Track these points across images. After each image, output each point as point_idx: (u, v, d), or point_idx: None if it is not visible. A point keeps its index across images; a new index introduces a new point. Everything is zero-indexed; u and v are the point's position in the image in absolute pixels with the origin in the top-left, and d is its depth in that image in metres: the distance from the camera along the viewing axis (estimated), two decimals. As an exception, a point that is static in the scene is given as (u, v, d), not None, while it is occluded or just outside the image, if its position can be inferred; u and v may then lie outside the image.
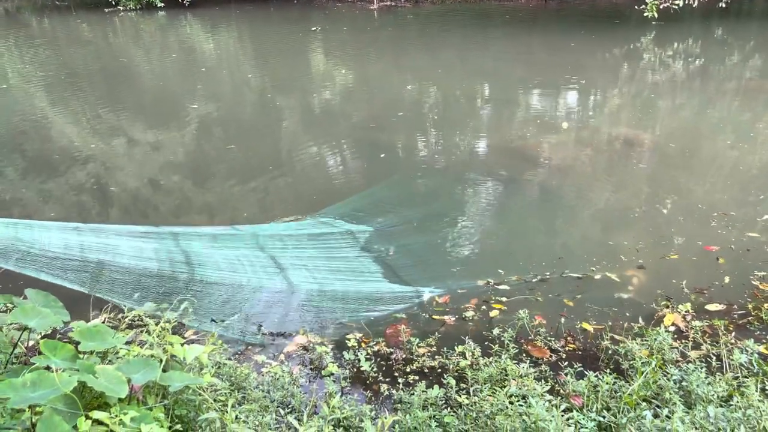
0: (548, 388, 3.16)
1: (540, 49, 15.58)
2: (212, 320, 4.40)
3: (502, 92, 11.76)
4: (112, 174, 8.08)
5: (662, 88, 11.52)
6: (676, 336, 4.14)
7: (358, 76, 13.58)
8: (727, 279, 4.96)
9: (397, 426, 3.11)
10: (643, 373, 3.34)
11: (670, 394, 3.18)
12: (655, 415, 2.97)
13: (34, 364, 2.36)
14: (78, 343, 2.52)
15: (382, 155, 8.39)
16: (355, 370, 4.02)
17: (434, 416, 3.21)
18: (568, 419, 2.83)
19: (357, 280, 5.10)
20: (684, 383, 3.28)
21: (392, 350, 4.21)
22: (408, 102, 11.25)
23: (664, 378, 3.33)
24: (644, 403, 3.17)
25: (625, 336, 4.06)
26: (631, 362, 3.66)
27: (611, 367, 3.88)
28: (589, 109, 10.57)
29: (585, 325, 4.42)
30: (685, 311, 4.46)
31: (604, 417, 3.03)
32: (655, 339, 3.78)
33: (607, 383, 3.26)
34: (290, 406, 3.49)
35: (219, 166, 8.34)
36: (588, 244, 5.82)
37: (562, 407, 2.89)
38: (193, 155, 8.95)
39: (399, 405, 3.47)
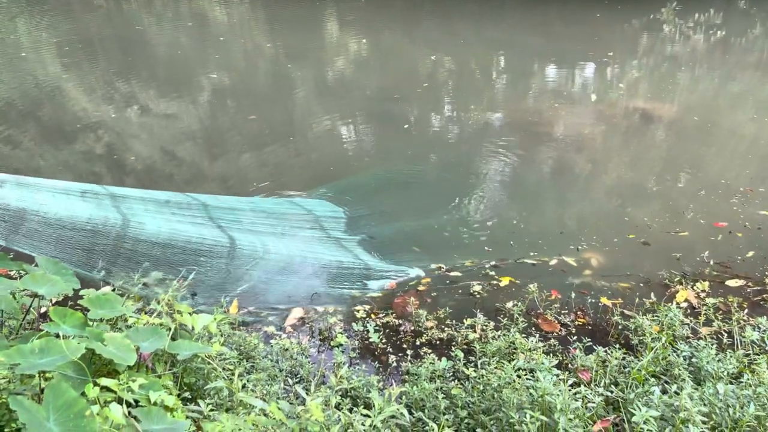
0: (556, 362, 3.15)
1: (559, 21, 15.26)
2: (193, 294, 4.38)
3: (519, 63, 11.56)
4: (132, 142, 8.07)
5: (683, 60, 11.26)
6: (688, 312, 4.11)
7: (375, 46, 13.40)
8: (751, 253, 4.90)
9: (404, 397, 3.13)
10: (652, 348, 3.32)
11: (680, 370, 3.16)
12: (664, 391, 2.95)
13: (43, 330, 2.38)
14: (88, 310, 2.55)
15: (406, 126, 8.34)
16: (363, 341, 4.04)
17: (441, 388, 3.21)
18: (575, 393, 2.82)
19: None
20: (694, 360, 3.26)
21: (401, 322, 4.22)
22: (431, 74, 11.11)
23: (674, 354, 3.30)
24: (653, 379, 3.15)
25: (636, 311, 4.03)
26: (641, 338, 3.64)
27: (621, 342, 3.86)
28: (609, 82, 10.37)
29: (604, 300, 4.38)
30: (701, 290, 4.42)
31: (611, 392, 3.01)
32: (666, 315, 3.74)
33: (615, 358, 3.24)
34: (298, 375, 3.52)
35: (246, 137, 8.23)
36: (605, 218, 5.75)
37: (570, 382, 2.87)
38: (215, 124, 8.87)
39: (407, 376, 3.48)
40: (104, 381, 2.14)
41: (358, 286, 4.71)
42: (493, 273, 4.81)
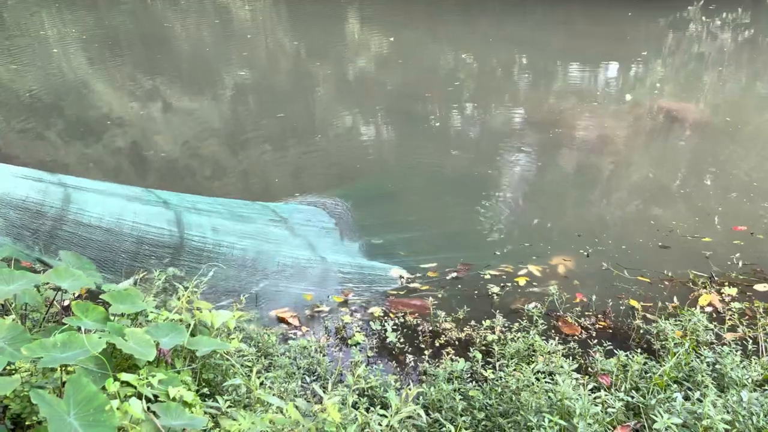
0: (576, 366, 3.11)
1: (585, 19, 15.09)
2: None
3: (541, 62, 11.45)
4: (164, 138, 8.16)
5: (711, 59, 11.06)
6: (713, 317, 4.04)
7: (401, 44, 13.35)
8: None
9: (421, 397, 3.11)
10: (675, 354, 3.27)
11: (703, 376, 3.09)
12: (686, 398, 2.90)
13: (66, 324, 2.42)
14: (109, 305, 2.58)
15: (426, 125, 8.32)
16: (380, 340, 4.03)
17: (459, 389, 3.19)
18: (595, 398, 2.78)
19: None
20: (717, 366, 3.19)
21: (418, 322, 4.20)
22: (452, 72, 11.06)
23: (697, 360, 3.24)
24: (675, 385, 3.09)
25: (658, 315, 3.97)
26: (664, 343, 3.57)
27: (642, 346, 3.80)
28: (633, 82, 10.23)
29: (632, 302, 4.33)
30: (727, 294, 4.34)
31: (632, 397, 2.97)
32: (690, 320, 3.68)
33: (637, 363, 3.19)
34: (315, 373, 3.52)
35: (273, 135, 8.23)
36: (626, 221, 5.67)
37: (590, 386, 2.84)
38: (243, 121, 8.92)
39: (424, 377, 3.47)
40: (124, 376, 2.17)
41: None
42: (504, 276, 4.78)
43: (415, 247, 5.26)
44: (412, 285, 4.71)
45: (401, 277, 4.80)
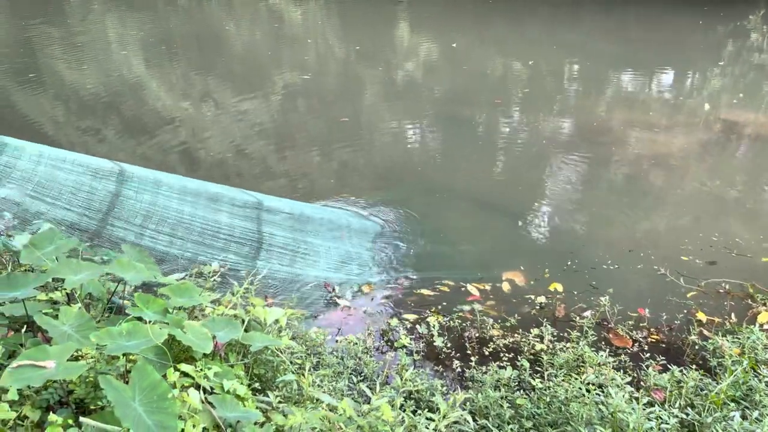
0: (628, 380, 3.04)
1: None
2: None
3: (593, 69, 11.26)
4: (243, 139, 8.37)
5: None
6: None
7: (451, 49, 13.34)
8: None
9: (468, 404, 3.10)
10: (733, 372, 3.16)
11: (762, 396, 2.99)
12: (744, 417, 2.81)
13: (128, 314, 2.50)
14: (167, 297, 2.65)
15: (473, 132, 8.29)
16: (427, 344, 4.03)
17: (506, 397, 3.17)
18: (649, 413, 2.71)
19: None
20: (778, 386, 3.08)
21: (465, 327, 4.18)
22: (501, 78, 11.00)
23: (756, 379, 3.13)
24: (732, 404, 3.00)
25: (714, 332, 3.85)
26: (720, 360, 3.47)
27: (698, 363, 3.69)
28: (689, 91, 9.96)
29: (700, 315, 4.22)
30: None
31: (687, 414, 2.89)
32: (748, 337, 3.56)
33: (692, 379, 3.10)
34: (362, 374, 3.55)
35: (336, 137, 8.30)
36: (677, 235, 5.52)
37: (644, 401, 2.77)
38: (314, 124, 9.05)
39: (470, 383, 3.45)
40: (184, 367, 2.23)
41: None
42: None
43: (465, 258, 5.25)
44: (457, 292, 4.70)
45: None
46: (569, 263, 4.96)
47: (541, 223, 5.81)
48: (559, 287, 4.63)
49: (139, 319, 2.46)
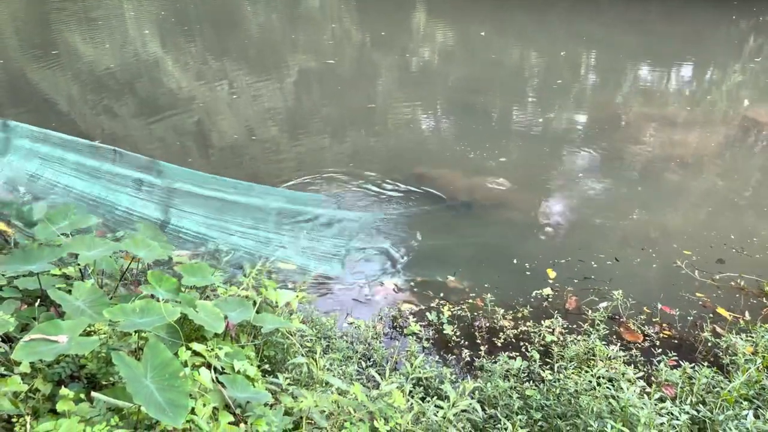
0: (640, 374, 3.01)
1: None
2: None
3: (612, 62, 11.11)
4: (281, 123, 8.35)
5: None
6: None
7: (469, 39, 13.21)
8: None
9: (477, 393, 3.09)
10: (746, 370, 3.12)
11: (775, 395, 2.96)
12: (756, 416, 2.77)
13: (140, 291, 2.50)
14: (180, 276, 2.65)
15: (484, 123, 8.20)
16: (436, 332, 4.02)
17: (515, 387, 3.15)
18: (660, 409, 2.69)
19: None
20: (792, 386, 3.04)
21: (475, 316, 4.17)
22: (518, 68, 10.88)
23: (769, 378, 3.09)
24: (745, 403, 2.96)
25: (728, 330, 3.80)
26: (733, 358, 3.43)
27: (710, 360, 3.66)
28: (708, 87, 9.81)
29: (721, 311, 4.17)
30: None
31: (698, 411, 2.86)
32: (763, 336, 3.51)
33: (704, 376, 3.07)
34: (371, 359, 3.54)
35: (363, 123, 8.28)
36: (691, 232, 5.45)
37: (655, 396, 2.75)
38: (346, 107, 9.03)
39: (479, 372, 3.44)
40: (195, 345, 2.23)
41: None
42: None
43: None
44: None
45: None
46: (573, 259, 4.92)
47: (552, 218, 5.75)
48: (552, 274, 4.63)
49: (153, 296, 2.47)
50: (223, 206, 4.83)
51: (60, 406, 1.90)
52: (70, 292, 2.34)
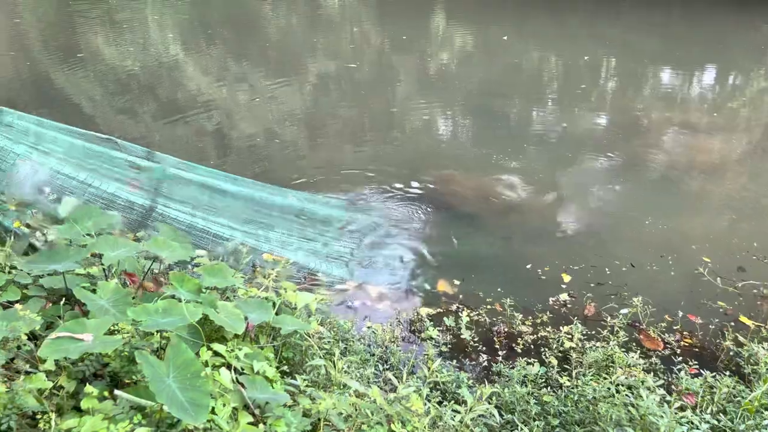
0: (660, 382, 2.99)
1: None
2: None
3: (632, 66, 11.00)
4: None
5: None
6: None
7: (488, 42, 13.17)
8: None
9: (494, 398, 3.08)
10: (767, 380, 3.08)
11: (798, 407, 2.91)
12: (779, 427, 2.74)
13: (161, 291, 2.54)
14: (200, 277, 2.68)
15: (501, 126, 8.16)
16: (454, 336, 4.02)
17: (533, 393, 3.14)
18: (680, 418, 2.66)
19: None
20: (815, 397, 2.99)
21: (494, 321, 4.16)
22: (537, 71, 10.84)
23: (791, 388, 3.05)
24: (766, 412, 2.92)
25: (750, 339, 3.75)
26: (755, 367, 3.38)
27: (731, 369, 3.61)
28: (730, 92, 9.68)
29: (743, 319, 4.13)
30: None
31: (719, 421, 2.83)
32: (786, 346, 3.46)
33: (726, 385, 3.04)
34: (389, 362, 3.55)
35: (382, 129, 8.29)
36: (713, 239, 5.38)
37: (675, 405, 2.72)
38: (366, 110, 9.07)
39: (497, 377, 3.43)
40: (216, 346, 2.26)
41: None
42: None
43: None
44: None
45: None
46: (587, 265, 4.88)
47: (569, 223, 5.71)
48: (566, 278, 4.64)
49: (174, 297, 2.50)
50: (249, 206, 4.92)
51: (84, 404, 1.93)
52: (94, 291, 2.39)
